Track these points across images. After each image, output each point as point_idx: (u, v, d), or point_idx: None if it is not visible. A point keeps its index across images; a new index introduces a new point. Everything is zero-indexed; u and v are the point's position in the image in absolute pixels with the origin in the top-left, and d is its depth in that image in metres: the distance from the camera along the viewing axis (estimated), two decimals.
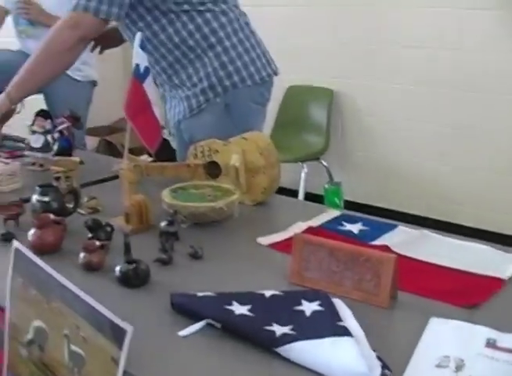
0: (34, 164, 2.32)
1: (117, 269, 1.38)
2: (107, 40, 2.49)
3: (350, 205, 4.06)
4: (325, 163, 4.48)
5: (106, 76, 3.83)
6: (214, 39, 2.21)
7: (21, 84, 2.30)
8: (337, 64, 4.46)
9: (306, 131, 4.52)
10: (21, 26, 3.43)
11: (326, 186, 4.25)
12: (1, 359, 1.27)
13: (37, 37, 3.41)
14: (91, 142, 4.53)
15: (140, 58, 2.06)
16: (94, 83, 3.65)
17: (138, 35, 2.08)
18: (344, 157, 4.58)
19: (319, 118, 4.50)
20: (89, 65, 3.59)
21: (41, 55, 2.24)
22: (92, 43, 2.41)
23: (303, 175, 4.32)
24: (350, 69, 4.43)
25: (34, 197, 1.69)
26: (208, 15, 2.20)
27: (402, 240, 1.63)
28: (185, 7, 2.17)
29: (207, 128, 2.18)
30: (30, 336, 1.17)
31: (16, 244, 1.21)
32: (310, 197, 4.21)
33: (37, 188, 1.69)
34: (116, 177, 2.17)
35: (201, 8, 2.19)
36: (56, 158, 1.98)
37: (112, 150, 4.65)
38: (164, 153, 3.78)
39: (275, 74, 2.37)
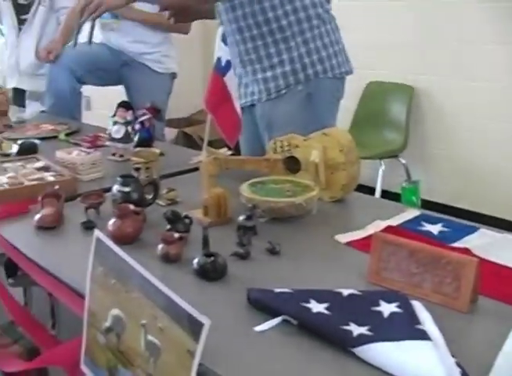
0: (114, 154, 2.36)
1: (195, 261, 1.38)
2: (186, 12, 2.43)
3: (427, 204, 3.99)
4: (403, 161, 4.41)
5: (185, 68, 3.86)
6: (306, 25, 2.17)
7: None
8: (419, 61, 4.38)
9: (385, 128, 4.47)
10: (105, 19, 3.49)
11: (404, 184, 4.18)
12: (79, 345, 1.29)
13: (120, 30, 3.48)
14: (170, 133, 4.58)
15: (222, 51, 2.07)
16: (174, 75, 3.69)
17: (220, 29, 2.10)
18: (422, 155, 4.50)
19: (399, 115, 4.43)
20: (170, 57, 3.64)
21: None
22: (167, 13, 2.37)
23: (380, 172, 4.27)
24: (432, 66, 4.34)
25: (115, 187, 1.71)
26: (307, 1, 2.17)
27: (483, 243, 1.58)
28: None
29: (288, 116, 2.14)
30: (108, 324, 1.18)
31: (97, 233, 1.22)
32: (387, 194, 4.16)
33: (118, 178, 1.71)
34: (195, 169, 2.20)
35: None
36: (137, 149, 2.00)
37: (190, 141, 4.70)
38: None
39: (351, 72, 2.34)
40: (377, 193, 4.19)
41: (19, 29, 3.96)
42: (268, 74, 2.21)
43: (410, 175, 4.39)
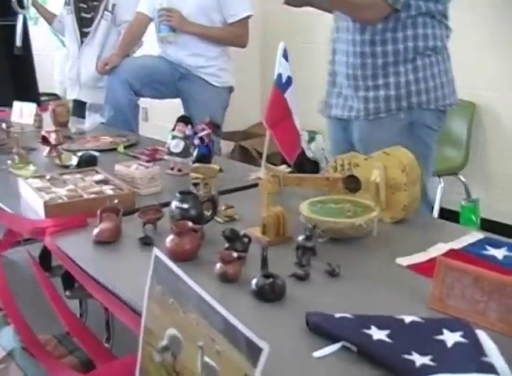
0: (172, 168, 2.36)
1: (253, 282, 1.36)
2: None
3: (487, 223, 3.90)
4: (463, 178, 4.32)
5: (242, 81, 3.86)
6: (421, 53, 2.13)
7: None
8: (481, 77, 4.30)
9: (445, 144, 4.37)
10: (163, 32, 3.52)
11: (463, 202, 4.09)
12: (134, 362, 1.28)
13: (178, 43, 3.51)
14: (226, 147, 4.59)
15: (283, 68, 2.06)
16: (231, 89, 3.70)
17: (282, 45, 2.09)
18: (483, 173, 4.40)
19: (459, 132, 4.34)
20: (227, 71, 3.64)
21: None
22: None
23: (439, 189, 4.18)
24: (494, 82, 4.25)
25: (174, 204, 1.70)
26: (429, 31, 2.12)
27: None
28: (424, 11, 2.09)
29: (387, 143, 1.95)
30: (164, 343, 1.17)
31: (156, 251, 1.21)
32: (445, 212, 4.07)
33: (177, 195, 1.70)
34: (253, 186, 2.18)
35: (436, 17, 2.12)
36: (196, 165, 1.99)
37: (246, 155, 4.69)
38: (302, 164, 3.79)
39: (456, 104, 2.27)
40: (436, 211, 4.11)
41: (81, 42, 4.03)
42: (370, 93, 2.18)
43: (470, 193, 4.29)
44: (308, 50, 4.54)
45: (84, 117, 3.53)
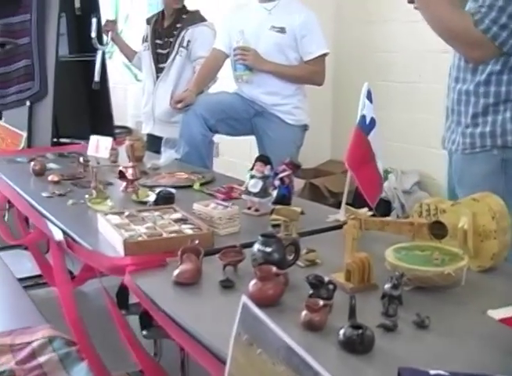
0: (250, 208, 2.34)
1: (341, 332, 1.31)
2: None
3: None
4: None
5: (314, 118, 3.84)
6: None
7: None
8: None
9: None
10: (238, 71, 3.53)
11: None
12: None
13: (253, 82, 3.51)
14: (297, 184, 4.54)
15: (367, 109, 2.03)
16: (305, 127, 3.67)
17: (365, 86, 2.06)
18: None
19: None
20: (302, 109, 3.63)
21: None
22: None
23: None
24: None
25: (256, 246, 1.67)
26: None
27: None
28: None
29: (478, 177, 2.06)
30: None
31: (244, 298, 1.18)
32: None
33: (260, 237, 1.67)
34: (332, 228, 2.14)
35: None
36: (278, 207, 1.96)
37: (317, 193, 4.64)
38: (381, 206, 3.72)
39: None
40: None
41: (157, 77, 4.09)
42: (467, 130, 2.14)
43: None
44: (384, 88, 4.49)
45: (157, 152, 3.55)
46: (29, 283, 3.68)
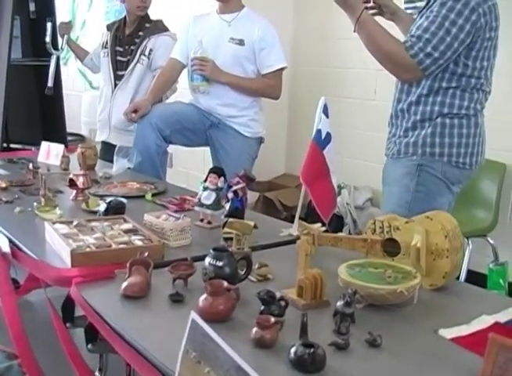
0: (202, 220, 2.30)
1: (292, 350, 1.28)
2: None
3: None
4: (491, 241, 4.22)
5: (268, 132, 3.81)
6: (443, 115, 2.37)
7: None
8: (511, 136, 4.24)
9: (474, 205, 4.29)
10: (195, 81, 3.49)
11: (491, 265, 3.99)
12: None
13: (210, 93, 3.48)
14: (251, 197, 4.52)
15: (323, 124, 2.01)
16: (261, 140, 3.65)
17: (322, 100, 2.05)
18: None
19: (489, 193, 4.26)
20: (258, 121, 3.60)
21: None
22: None
23: (468, 251, 4.08)
24: None
25: (207, 260, 1.63)
26: (466, 99, 2.37)
27: None
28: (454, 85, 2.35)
29: (398, 176, 2.45)
30: None
31: (193, 315, 1.15)
32: (473, 275, 3.97)
33: (211, 251, 1.64)
34: (285, 242, 2.12)
35: (467, 90, 2.36)
36: (231, 220, 1.92)
37: (270, 206, 4.63)
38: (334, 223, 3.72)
39: (471, 167, 2.44)
40: (463, 273, 4.01)
41: (115, 84, 4.02)
42: (399, 140, 2.47)
43: (498, 256, 4.19)
44: (339, 104, 4.51)
45: (110, 161, 3.49)
46: None
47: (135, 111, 3.47)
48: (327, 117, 2.05)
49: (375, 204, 4.50)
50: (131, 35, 4.03)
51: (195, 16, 3.72)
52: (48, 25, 4.23)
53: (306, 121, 4.91)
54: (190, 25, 3.64)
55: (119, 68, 4.02)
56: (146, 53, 3.92)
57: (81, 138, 6.42)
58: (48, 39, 4.23)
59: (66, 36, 4.25)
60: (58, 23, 4.34)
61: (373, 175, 4.53)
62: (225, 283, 1.50)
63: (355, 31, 2.33)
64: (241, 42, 3.43)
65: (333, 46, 4.88)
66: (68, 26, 4.31)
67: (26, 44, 4.67)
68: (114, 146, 3.69)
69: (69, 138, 4.92)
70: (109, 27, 4.20)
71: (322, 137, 2.03)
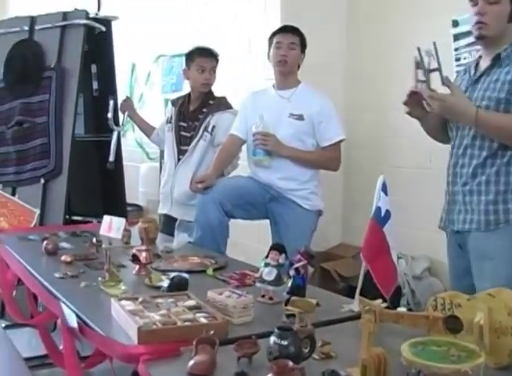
0: (263, 296, 2.34)
1: None
2: None
3: None
4: None
5: (325, 202, 3.85)
6: None
7: None
8: None
9: None
10: (258, 156, 3.57)
11: None
12: None
13: (272, 167, 3.55)
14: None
15: (382, 201, 2.05)
16: (320, 212, 3.71)
17: (381, 178, 2.09)
18: None
19: None
20: (317, 194, 3.66)
21: None
22: None
23: None
24: None
25: (272, 339, 1.66)
26: None
27: None
28: None
29: (504, 248, 2.38)
30: None
31: None
32: None
33: (276, 330, 1.67)
34: (347, 319, 2.13)
35: None
36: (294, 298, 1.96)
37: (327, 277, 4.63)
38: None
39: None
40: None
41: (178, 159, 4.13)
42: (491, 207, 2.42)
43: None
44: (393, 173, 4.53)
45: (169, 234, 3.57)
46: (35, 362, 3.63)
47: (201, 182, 3.55)
48: (386, 194, 2.09)
49: (433, 274, 4.46)
50: (195, 111, 4.16)
51: (253, 92, 3.85)
52: (111, 102, 4.41)
53: (362, 191, 4.98)
54: (249, 101, 3.76)
55: (182, 143, 4.14)
56: (209, 130, 4.03)
57: (138, 208, 6.56)
58: (110, 115, 4.40)
59: (126, 112, 4.43)
60: (119, 101, 4.52)
61: (430, 244, 4.52)
62: (290, 363, 1.52)
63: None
64: (300, 117, 3.53)
65: (384, 116, 4.93)
66: (129, 103, 4.50)
67: (88, 120, 4.84)
68: (175, 219, 3.79)
69: (127, 208, 5.04)
70: (174, 103, 4.35)
71: (382, 214, 2.06)
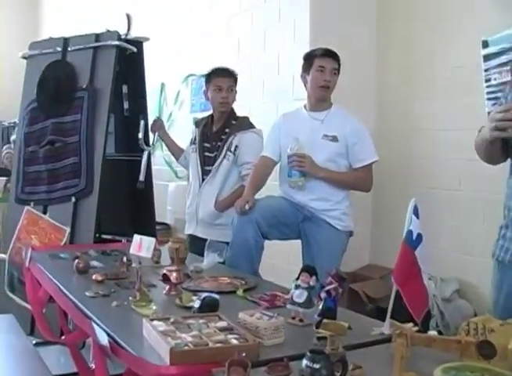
0: (294, 317, 2.34)
1: None
2: None
3: None
4: None
5: (354, 222, 3.86)
6: None
7: None
8: None
9: None
10: (294, 177, 3.60)
11: None
12: None
13: (307, 188, 3.56)
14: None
15: (413, 225, 2.05)
16: (351, 233, 3.72)
17: (412, 202, 2.09)
18: None
19: None
20: (348, 215, 3.68)
21: None
22: None
23: None
24: None
25: (304, 362, 1.67)
26: None
27: None
28: None
29: None
30: None
31: None
32: None
33: (308, 353, 1.67)
34: (377, 342, 2.13)
35: None
36: (326, 321, 1.96)
37: (355, 298, 4.62)
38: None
39: None
40: None
41: (203, 179, 4.16)
42: None
43: None
44: (423, 195, 4.53)
45: (196, 253, 3.59)
46: None
47: (247, 202, 3.55)
48: (418, 217, 2.09)
49: (462, 296, 4.44)
50: (217, 132, 4.20)
51: (284, 114, 3.88)
52: (141, 122, 4.47)
53: (391, 212, 4.98)
54: (281, 123, 3.79)
55: (206, 163, 4.18)
56: (232, 149, 4.06)
57: (166, 227, 6.61)
58: (140, 136, 4.46)
59: (157, 133, 4.48)
60: (149, 120, 4.58)
61: (459, 266, 4.50)
62: None
63: None
64: (334, 139, 3.56)
65: (416, 136, 4.94)
66: (160, 123, 4.55)
67: (119, 139, 4.91)
68: (201, 239, 3.82)
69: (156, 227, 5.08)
70: (197, 124, 4.41)
71: (414, 238, 2.07)
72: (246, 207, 3.49)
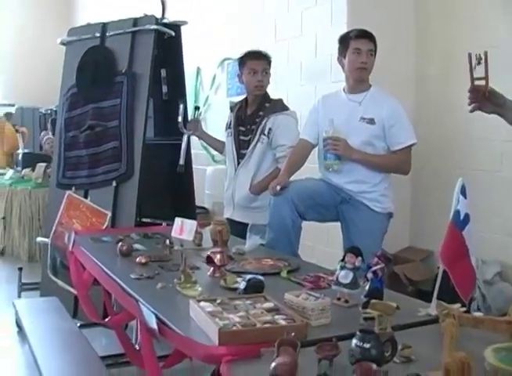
0: (339, 298, 2.34)
1: None
2: None
3: None
4: None
5: (395, 205, 3.83)
6: None
7: None
8: None
9: None
10: (329, 160, 3.58)
11: None
12: None
13: (342, 171, 3.56)
14: None
15: (461, 205, 2.04)
16: (391, 215, 3.69)
17: (460, 181, 2.08)
18: None
19: None
20: (387, 197, 3.65)
21: None
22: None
23: None
24: None
25: (354, 342, 1.68)
26: None
27: None
28: None
29: None
30: None
31: None
32: None
33: (358, 333, 1.68)
34: (424, 323, 2.13)
35: None
36: (374, 301, 1.97)
37: (395, 280, 4.61)
38: None
39: None
40: None
41: (238, 162, 4.17)
42: None
43: None
44: (463, 176, 4.49)
45: (240, 237, 3.60)
46: (110, 361, 3.72)
47: (278, 184, 3.55)
48: (465, 197, 2.08)
49: (504, 279, 4.40)
50: (252, 115, 4.19)
51: (323, 96, 3.86)
52: (180, 106, 4.48)
53: (430, 194, 4.95)
54: (320, 106, 3.77)
55: (242, 147, 4.18)
56: (266, 132, 4.05)
57: (205, 211, 6.63)
58: (180, 119, 4.47)
59: (195, 132, 4.50)
60: (188, 104, 4.59)
61: (501, 248, 4.46)
62: (374, 366, 1.54)
63: None
64: (371, 121, 3.52)
65: (454, 118, 4.89)
66: (195, 125, 4.53)
67: (158, 123, 4.94)
68: (238, 222, 3.84)
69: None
70: (232, 108, 4.40)
71: (461, 218, 2.05)
72: (278, 187, 3.49)
